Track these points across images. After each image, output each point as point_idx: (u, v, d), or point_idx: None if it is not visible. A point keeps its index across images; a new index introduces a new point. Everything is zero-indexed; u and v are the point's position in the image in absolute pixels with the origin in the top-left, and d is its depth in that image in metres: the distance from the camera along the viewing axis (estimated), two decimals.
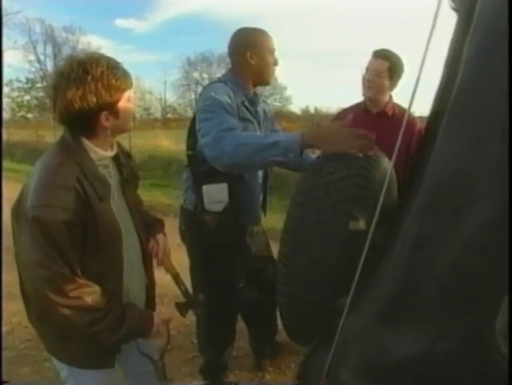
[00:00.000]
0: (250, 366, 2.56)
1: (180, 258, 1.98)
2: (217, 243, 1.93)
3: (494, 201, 0.56)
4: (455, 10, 0.73)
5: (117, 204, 1.29)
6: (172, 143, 13.38)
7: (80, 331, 1.18)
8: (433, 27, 0.71)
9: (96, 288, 1.20)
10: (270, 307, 2.41)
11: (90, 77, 1.12)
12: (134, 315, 1.27)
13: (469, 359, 0.58)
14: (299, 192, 1.31)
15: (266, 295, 2.35)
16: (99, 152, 1.23)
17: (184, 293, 1.51)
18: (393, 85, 2.39)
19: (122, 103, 1.20)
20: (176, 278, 1.52)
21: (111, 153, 1.29)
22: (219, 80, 1.98)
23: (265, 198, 2.11)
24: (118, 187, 1.33)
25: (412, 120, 2.40)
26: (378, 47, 2.34)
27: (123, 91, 1.20)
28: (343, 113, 2.64)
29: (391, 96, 2.45)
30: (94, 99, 1.13)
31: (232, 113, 1.73)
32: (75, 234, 1.13)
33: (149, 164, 9.72)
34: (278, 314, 2.50)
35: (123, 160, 1.37)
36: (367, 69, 2.35)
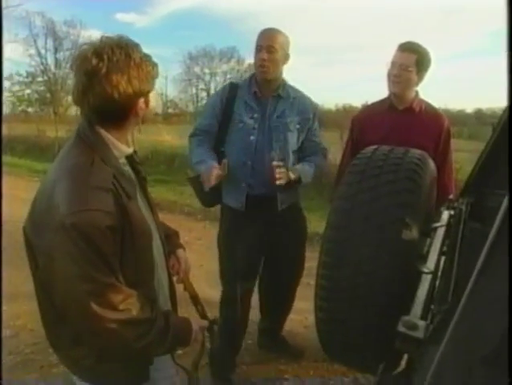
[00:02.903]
0: (268, 374, 2.45)
1: None
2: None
3: None
4: None
5: (140, 204, 1.18)
6: (174, 139, 13.20)
7: (130, 347, 1.07)
8: None
9: (140, 297, 1.08)
10: (288, 298, 2.49)
11: (132, 62, 1.05)
12: (176, 323, 1.17)
13: None
14: (341, 197, 1.19)
15: (285, 285, 2.43)
16: (122, 148, 1.14)
17: (201, 314, 1.44)
18: (420, 79, 2.25)
19: (153, 93, 1.15)
20: (195, 298, 1.45)
21: (130, 150, 1.20)
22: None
23: None
24: (138, 186, 1.23)
25: (440, 116, 2.28)
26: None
27: (155, 79, 1.15)
28: (367, 109, 2.52)
29: (417, 91, 2.32)
30: (137, 85, 1.06)
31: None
32: (117, 239, 1.02)
33: (152, 160, 9.57)
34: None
35: (136, 158, 1.27)
36: (393, 63, 2.20)
